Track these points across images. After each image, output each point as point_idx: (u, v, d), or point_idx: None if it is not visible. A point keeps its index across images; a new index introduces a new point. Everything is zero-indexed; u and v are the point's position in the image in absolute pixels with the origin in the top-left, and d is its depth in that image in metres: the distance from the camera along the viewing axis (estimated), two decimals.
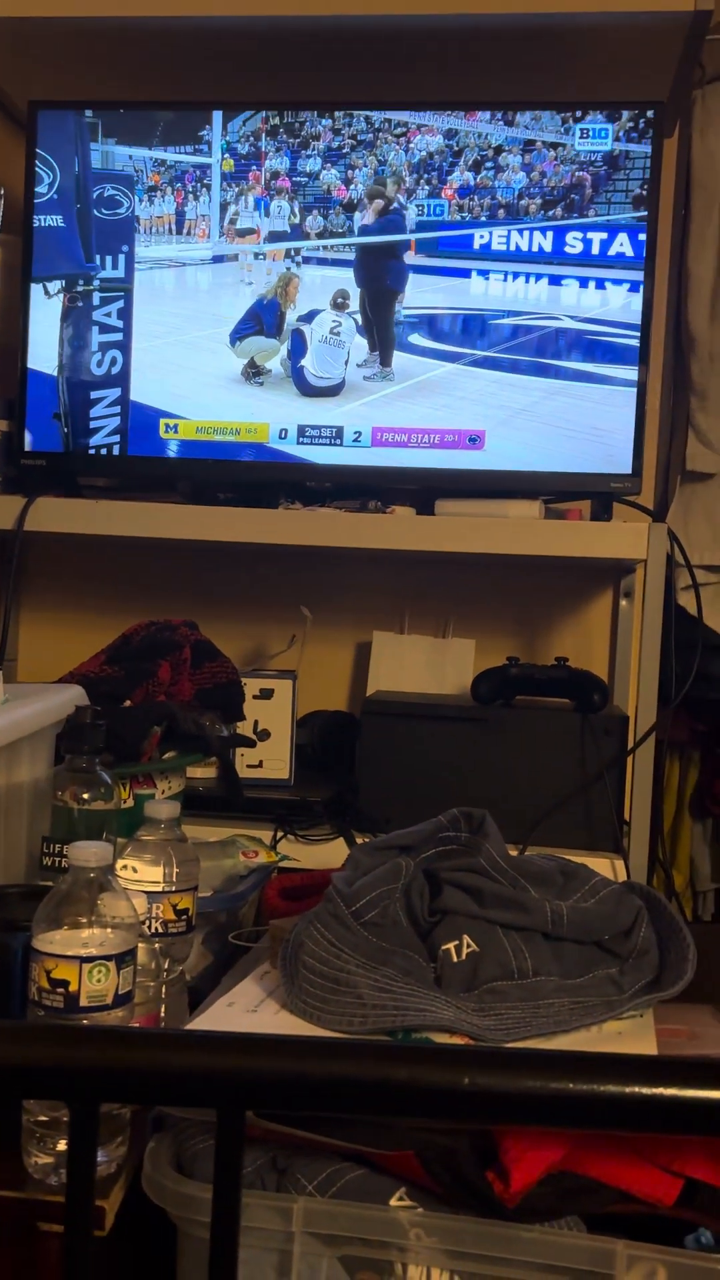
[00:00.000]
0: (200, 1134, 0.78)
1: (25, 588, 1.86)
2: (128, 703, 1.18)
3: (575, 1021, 0.81)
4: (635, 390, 1.44)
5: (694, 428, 1.69)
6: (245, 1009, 0.86)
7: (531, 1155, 0.72)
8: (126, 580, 1.85)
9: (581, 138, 1.41)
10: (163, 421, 1.50)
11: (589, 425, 1.44)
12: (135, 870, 0.99)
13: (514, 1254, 0.72)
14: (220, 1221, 0.61)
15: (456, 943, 0.85)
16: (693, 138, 1.69)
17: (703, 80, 1.68)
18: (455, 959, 0.84)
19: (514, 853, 1.36)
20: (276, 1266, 0.74)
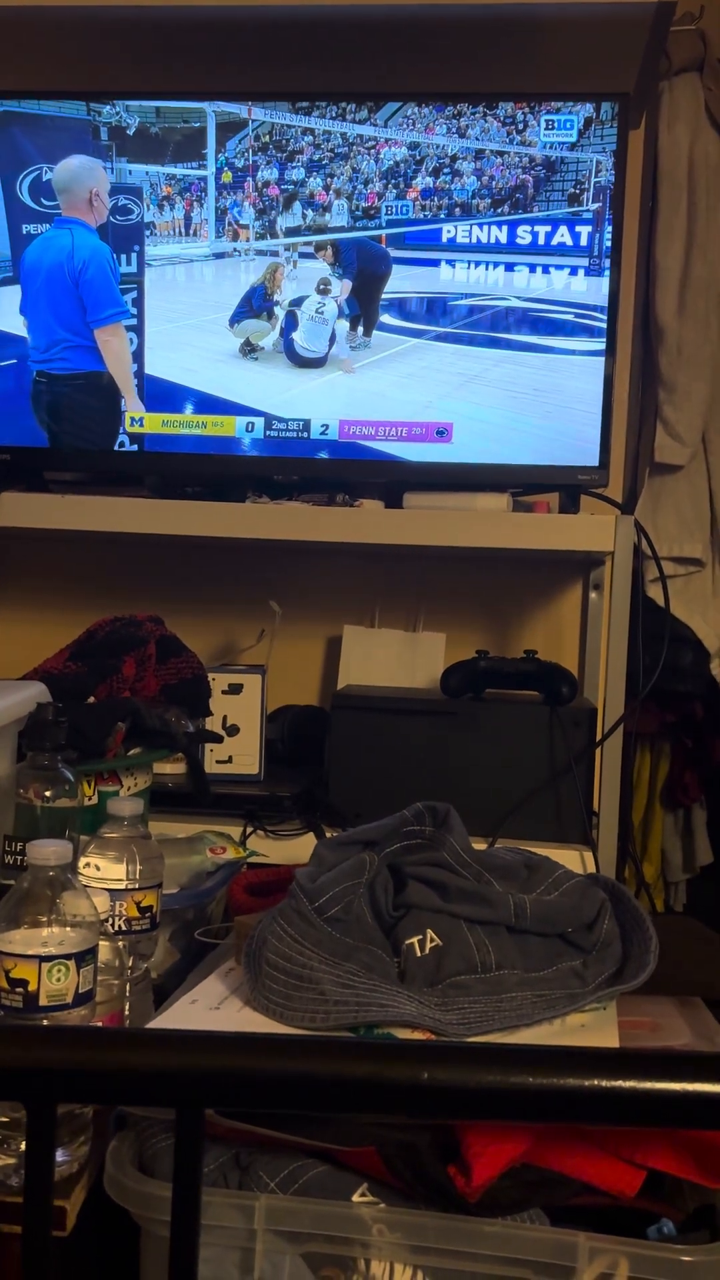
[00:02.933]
0: (162, 1132, 0.78)
1: None
2: (91, 699, 1.17)
3: (538, 1014, 0.81)
4: (602, 383, 1.45)
5: (662, 420, 1.70)
6: (208, 1006, 0.85)
7: (493, 1149, 0.72)
8: (94, 575, 1.83)
9: (547, 129, 1.41)
10: (128, 415, 1.49)
11: (557, 419, 1.44)
12: (98, 868, 0.98)
13: (477, 1248, 0.72)
14: (180, 1220, 0.61)
15: (420, 937, 0.84)
16: (659, 130, 1.69)
17: (670, 72, 1.67)
18: (419, 954, 0.84)
19: (483, 845, 1.36)
20: (239, 1264, 0.74)
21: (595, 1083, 0.59)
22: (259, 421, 1.47)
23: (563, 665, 1.51)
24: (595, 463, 1.46)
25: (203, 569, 1.81)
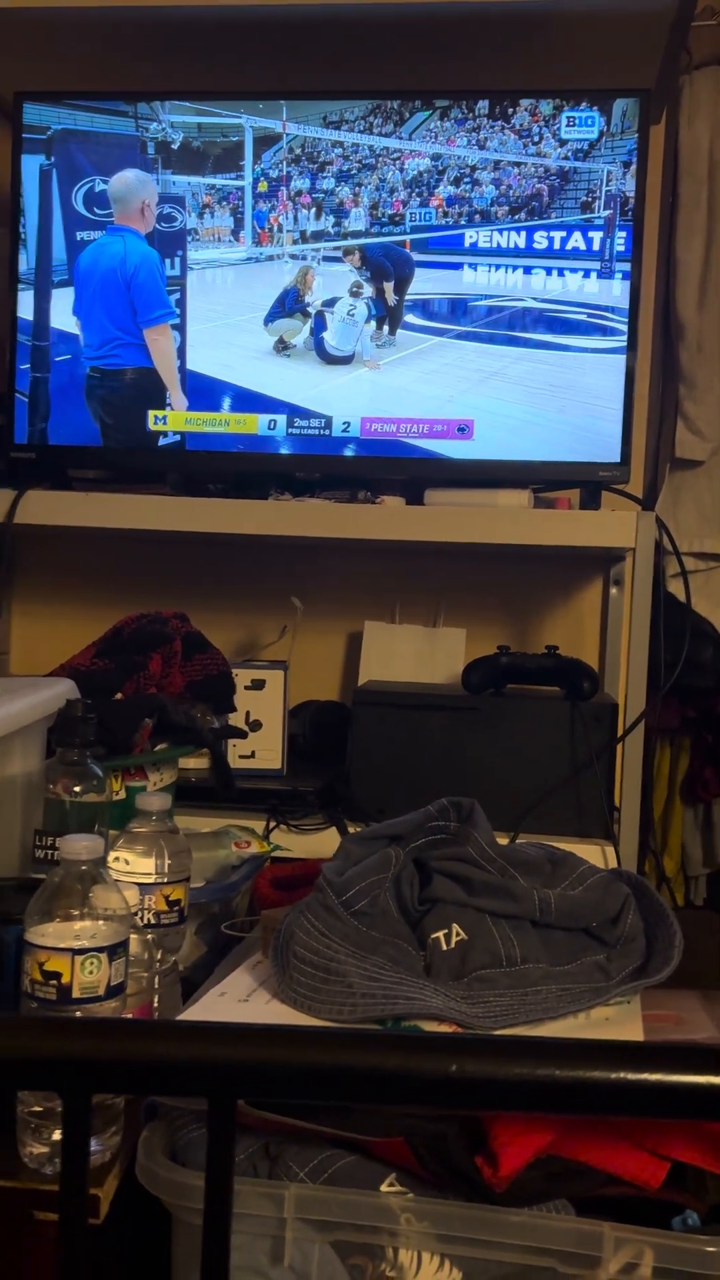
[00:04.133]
0: (193, 1122, 0.79)
1: (16, 580, 1.87)
2: (119, 696, 1.19)
3: (563, 1008, 0.82)
4: (623, 380, 1.45)
5: (683, 415, 1.70)
6: (237, 999, 0.87)
7: (520, 1140, 0.73)
8: (117, 571, 1.85)
9: (569, 125, 1.42)
10: (151, 413, 1.50)
11: (576, 415, 1.45)
12: (127, 862, 0.99)
13: (503, 1237, 0.73)
14: (212, 1209, 0.62)
15: (446, 931, 0.86)
16: (680, 125, 1.69)
17: (690, 66, 1.67)
18: (444, 947, 0.85)
19: (505, 840, 1.37)
20: (269, 1252, 0.75)
21: (620, 1075, 0.60)
22: (281, 419, 1.48)
23: (584, 661, 1.52)
24: (616, 459, 1.47)
25: (225, 565, 1.83)
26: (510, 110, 1.37)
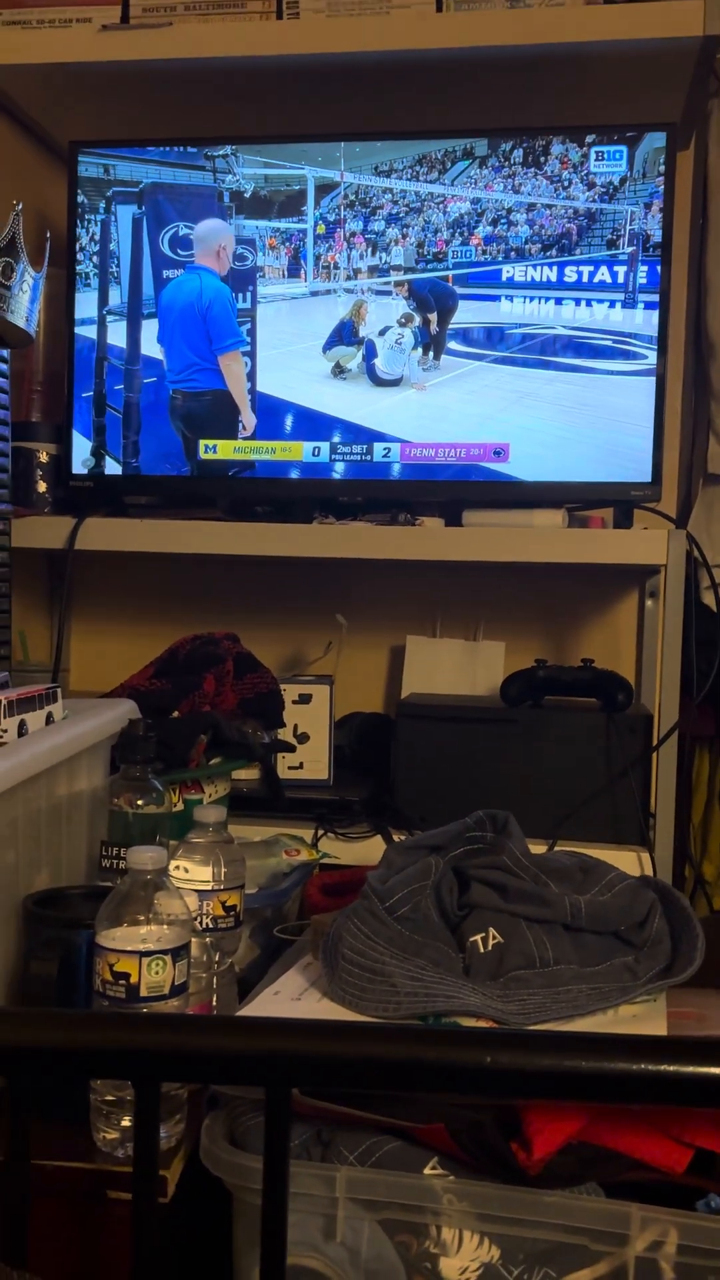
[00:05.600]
0: (251, 1111, 0.86)
1: (74, 600, 1.95)
2: (176, 713, 1.26)
3: (592, 1005, 0.88)
4: (653, 402, 1.50)
5: (715, 431, 1.74)
6: (290, 997, 0.93)
7: (552, 1127, 0.79)
8: (169, 591, 1.93)
9: (597, 160, 1.48)
10: (202, 442, 1.59)
11: (608, 436, 1.51)
12: (187, 870, 1.06)
13: (538, 1216, 0.78)
14: (271, 1190, 0.68)
15: (483, 934, 0.92)
16: (709, 148, 1.74)
17: (718, 91, 1.72)
18: (482, 950, 0.91)
19: (543, 848, 1.43)
20: (323, 1229, 0.82)
21: (643, 1066, 0.65)
22: (325, 446, 1.56)
23: (619, 672, 1.57)
24: (648, 478, 1.52)
25: (273, 584, 1.90)
26: (542, 158, 1.49)
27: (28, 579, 1.82)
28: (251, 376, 1.52)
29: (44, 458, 1.64)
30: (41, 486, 1.64)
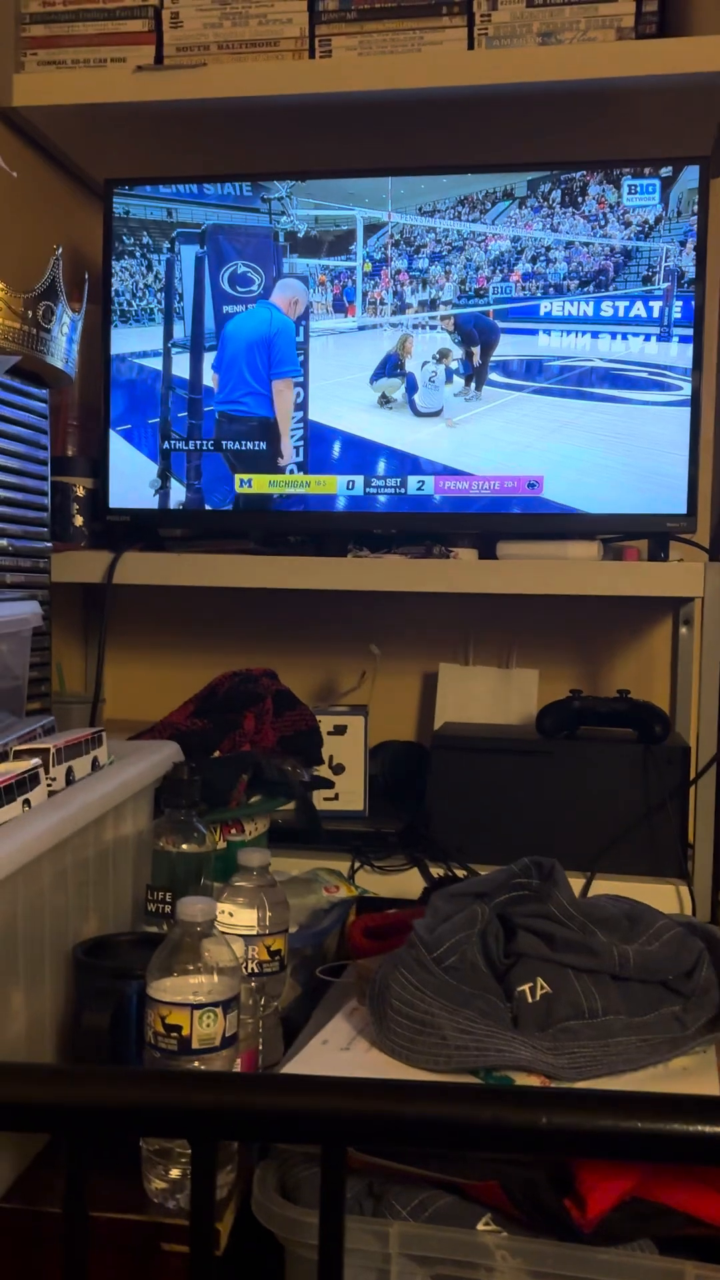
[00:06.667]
0: (302, 1162, 0.86)
1: (110, 632, 1.97)
2: (217, 753, 1.27)
3: (642, 1059, 0.88)
4: (688, 433, 1.50)
5: None
6: (338, 1047, 0.94)
7: (605, 1184, 0.79)
8: (204, 622, 1.94)
9: (630, 194, 1.49)
10: (238, 477, 1.60)
11: (643, 466, 1.51)
12: (231, 915, 1.07)
13: (592, 1274, 0.78)
14: (327, 1248, 0.68)
15: (531, 984, 0.92)
16: None
17: None
18: (530, 1000, 0.91)
19: (581, 880, 1.43)
20: None
21: (700, 1128, 0.65)
22: (359, 480, 1.57)
23: (654, 703, 1.56)
24: (683, 510, 1.52)
25: (305, 614, 1.90)
26: (580, 199, 1.52)
27: (63, 610, 1.84)
28: (304, 406, 1.59)
29: (80, 491, 1.66)
30: (78, 520, 1.66)
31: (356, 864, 1.49)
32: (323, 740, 1.43)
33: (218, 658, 1.85)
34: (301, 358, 1.59)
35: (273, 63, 1.55)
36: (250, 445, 1.60)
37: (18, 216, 1.67)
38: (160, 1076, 0.75)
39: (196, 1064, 0.86)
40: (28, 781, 0.94)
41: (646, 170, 1.50)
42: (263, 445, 1.60)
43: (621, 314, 1.51)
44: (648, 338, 1.51)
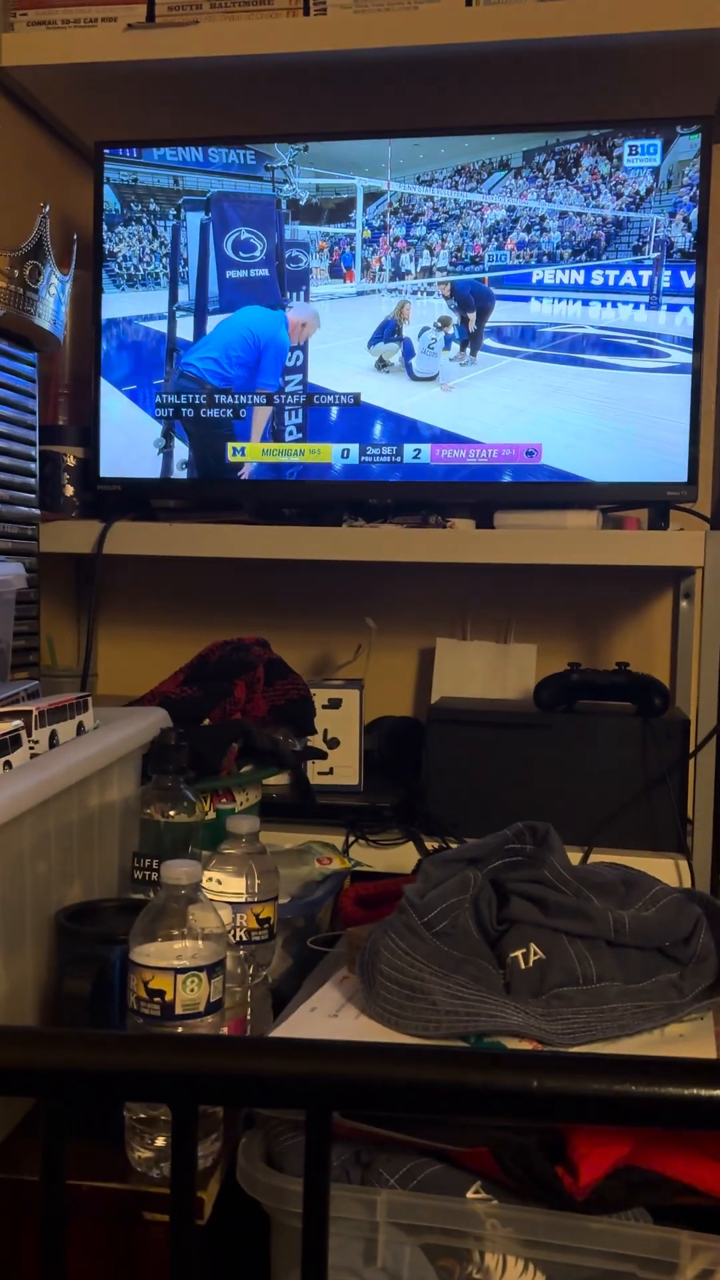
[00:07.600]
0: (288, 1131, 0.84)
1: (101, 604, 1.95)
2: (206, 721, 1.25)
3: (638, 1025, 0.86)
4: (688, 400, 1.48)
5: None
6: (327, 1014, 0.92)
7: (599, 1151, 0.77)
8: (197, 595, 1.92)
9: (631, 155, 1.46)
10: (230, 445, 1.57)
11: (641, 433, 1.49)
12: (220, 882, 1.05)
13: (584, 1243, 0.77)
14: (312, 1215, 0.66)
15: (524, 950, 0.90)
16: None
17: None
18: (523, 966, 0.89)
19: (579, 854, 1.41)
20: (363, 1254, 0.80)
21: (695, 1091, 0.63)
22: (354, 448, 1.54)
23: (654, 675, 1.54)
24: (684, 479, 1.49)
25: (300, 587, 1.88)
26: (574, 169, 1.53)
27: (54, 583, 1.82)
28: (304, 369, 1.60)
29: (71, 461, 1.63)
30: (69, 490, 1.63)
31: (351, 838, 1.47)
32: (315, 710, 1.41)
33: (212, 632, 1.81)
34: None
35: (266, 20, 1.51)
36: (223, 414, 1.61)
37: (6, 180, 1.64)
38: (138, 1039, 0.73)
39: (180, 1029, 0.84)
40: (9, 743, 0.92)
41: (649, 131, 1.47)
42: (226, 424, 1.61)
43: (612, 282, 1.52)
44: (637, 305, 1.51)
